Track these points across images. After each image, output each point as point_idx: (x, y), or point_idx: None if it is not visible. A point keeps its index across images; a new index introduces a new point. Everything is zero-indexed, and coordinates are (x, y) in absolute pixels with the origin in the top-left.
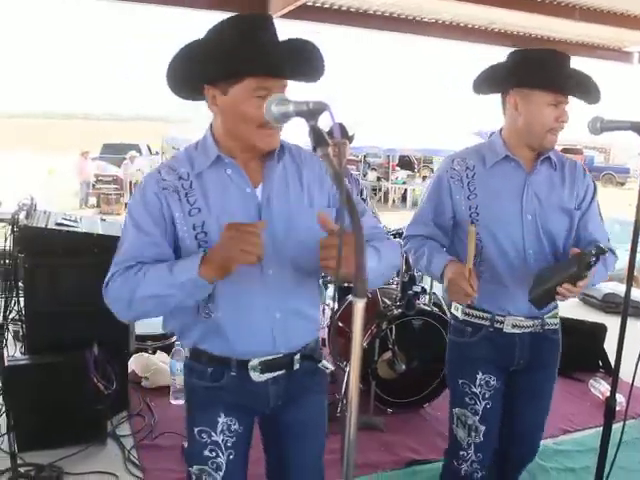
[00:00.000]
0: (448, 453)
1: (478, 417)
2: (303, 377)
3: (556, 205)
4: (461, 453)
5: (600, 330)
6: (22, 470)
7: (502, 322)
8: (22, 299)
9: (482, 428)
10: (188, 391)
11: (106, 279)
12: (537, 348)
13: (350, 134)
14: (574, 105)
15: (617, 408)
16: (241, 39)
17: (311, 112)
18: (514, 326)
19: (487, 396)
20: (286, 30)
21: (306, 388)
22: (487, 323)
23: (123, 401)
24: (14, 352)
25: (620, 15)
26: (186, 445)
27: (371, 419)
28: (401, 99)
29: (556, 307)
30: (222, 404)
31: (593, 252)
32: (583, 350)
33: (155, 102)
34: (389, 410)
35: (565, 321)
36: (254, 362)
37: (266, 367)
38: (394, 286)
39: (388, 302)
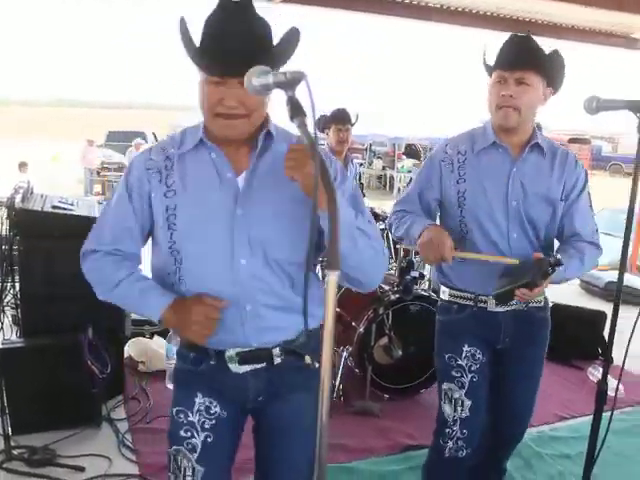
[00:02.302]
0: (435, 432)
1: (464, 391)
2: (288, 373)
3: (541, 194)
4: (447, 430)
5: (600, 318)
6: (15, 452)
7: (485, 302)
8: (18, 283)
9: (468, 403)
10: (174, 372)
11: (83, 249)
12: (522, 326)
13: (353, 120)
14: (580, 95)
15: (618, 395)
16: (205, 32)
17: (289, 82)
18: (497, 305)
19: (473, 369)
20: (288, 15)
21: (292, 385)
22: (471, 303)
23: (118, 385)
24: (10, 335)
25: (627, 0)
26: None
27: (367, 404)
28: (408, 88)
29: None
30: (201, 386)
31: (550, 263)
32: (582, 338)
33: (164, 90)
34: (385, 396)
35: (565, 308)
36: (230, 352)
37: (243, 359)
38: (392, 272)
39: (385, 287)
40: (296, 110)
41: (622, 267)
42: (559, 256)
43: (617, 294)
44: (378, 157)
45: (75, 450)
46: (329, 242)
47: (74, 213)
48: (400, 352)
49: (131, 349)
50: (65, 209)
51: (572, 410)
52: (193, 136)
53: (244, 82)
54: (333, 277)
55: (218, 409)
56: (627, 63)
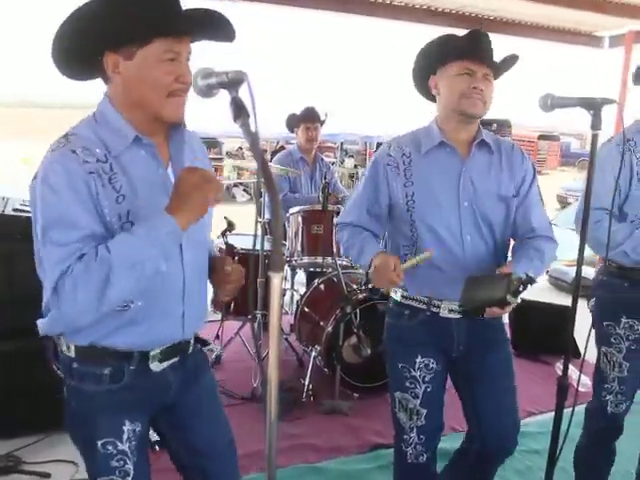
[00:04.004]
0: (396, 438)
1: (419, 401)
2: (195, 359)
3: (493, 192)
4: (405, 437)
5: (568, 313)
6: None
7: (439, 306)
8: None
9: (423, 411)
10: (81, 400)
11: (51, 284)
12: (476, 333)
13: (322, 118)
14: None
15: (582, 390)
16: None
17: (231, 82)
18: (450, 311)
19: (427, 379)
20: (251, 14)
21: (198, 369)
22: (424, 307)
23: None
24: None
25: None
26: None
27: (336, 403)
28: (379, 86)
29: None
30: (126, 409)
31: (523, 280)
32: (550, 333)
33: None
34: (355, 395)
35: (533, 304)
36: (155, 352)
37: (165, 355)
38: (360, 270)
39: (353, 286)
40: (239, 111)
41: (579, 263)
42: (531, 273)
43: (576, 289)
44: (350, 156)
45: (41, 456)
46: (272, 244)
47: None
48: (369, 351)
49: None
50: (27, 212)
51: (540, 405)
52: (115, 133)
53: (173, 75)
54: (277, 279)
55: (140, 428)
56: (593, 61)
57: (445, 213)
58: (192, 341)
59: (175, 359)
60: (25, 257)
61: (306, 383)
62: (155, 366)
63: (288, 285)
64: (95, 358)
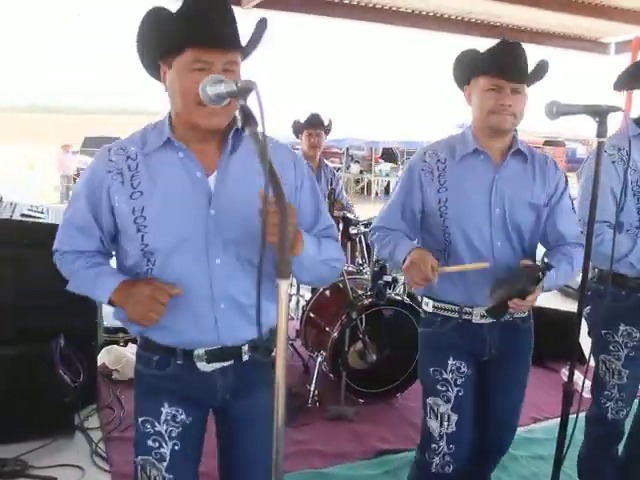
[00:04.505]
0: (420, 447)
1: (450, 405)
2: (253, 369)
3: (525, 200)
4: (433, 446)
5: (574, 319)
6: None
7: (470, 313)
8: None
9: (454, 417)
10: (136, 379)
11: (55, 246)
12: (508, 337)
13: (326, 124)
14: (557, 98)
15: (587, 396)
16: (187, 11)
17: (240, 91)
18: (482, 316)
19: (459, 383)
20: (256, 20)
21: (256, 381)
22: (456, 315)
23: (92, 394)
24: None
25: (596, 6)
26: None
27: (342, 409)
28: (384, 91)
29: None
30: (167, 394)
31: (540, 268)
32: (557, 339)
33: (139, 95)
34: (361, 400)
35: (539, 310)
36: (199, 351)
37: (212, 357)
38: (366, 276)
39: (359, 292)
40: (247, 119)
41: (586, 270)
42: (546, 260)
43: (581, 295)
44: (355, 161)
45: (47, 461)
46: (278, 251)
47: (43, 221)
48: (374, 356)
49: (105, 357)
50: (35, 217)
51: (546, 412)
52: (157, 135)
53: (200, 91)
54: (284, 286)
55: (183, 416)
56: (599, 68)
57: (477, 219)
58: (246, 348)
59: (227, 363)
60: (31, 262)
61: (312, 389)
62: (202, 365)
63: (294, 290)
64: (149, 347)
